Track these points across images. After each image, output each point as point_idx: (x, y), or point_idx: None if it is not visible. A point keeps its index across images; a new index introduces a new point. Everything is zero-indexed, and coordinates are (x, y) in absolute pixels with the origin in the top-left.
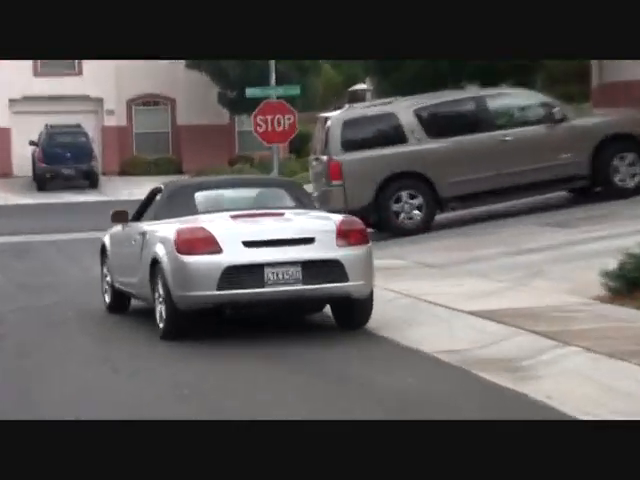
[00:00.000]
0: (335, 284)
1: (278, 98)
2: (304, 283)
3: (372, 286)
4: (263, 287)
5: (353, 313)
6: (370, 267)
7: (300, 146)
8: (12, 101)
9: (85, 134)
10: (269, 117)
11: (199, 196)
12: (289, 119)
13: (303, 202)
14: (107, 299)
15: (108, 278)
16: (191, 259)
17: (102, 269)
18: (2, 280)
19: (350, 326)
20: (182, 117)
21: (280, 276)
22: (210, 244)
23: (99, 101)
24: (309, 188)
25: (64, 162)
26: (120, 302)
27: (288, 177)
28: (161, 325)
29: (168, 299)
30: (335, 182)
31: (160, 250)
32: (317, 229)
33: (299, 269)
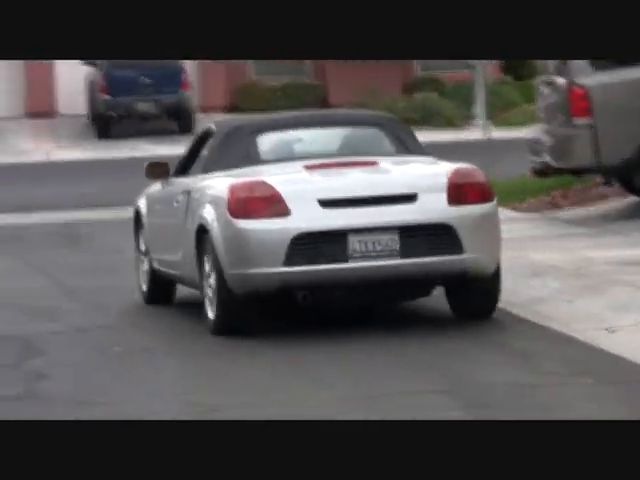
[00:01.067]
0: (446, 257)
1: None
2: (402, 256)
3: (498, 260)
4: (347, 261)
5: (473, 297)
6: (495, 234)
7: (519, 62)
8: None
9: None
10: None
11: (263, 139)
12: None
13: (407, 146)
14: (144, 286)
15: (145, 258)
16: (249, 224)
17: (136, 245)
18: (45, 282)
19: (470, 314)
20: None
21: (370, 246)
22: (275, 204)
23: None
24: (534, 130)
25: (139, 92)
26: (161, 290)
27: (502, 110)
28: (211, 316)
29: (220, 280)
30: (579, 120)
31: (209, 214)
32: (421, 182)
33: (396, 237)
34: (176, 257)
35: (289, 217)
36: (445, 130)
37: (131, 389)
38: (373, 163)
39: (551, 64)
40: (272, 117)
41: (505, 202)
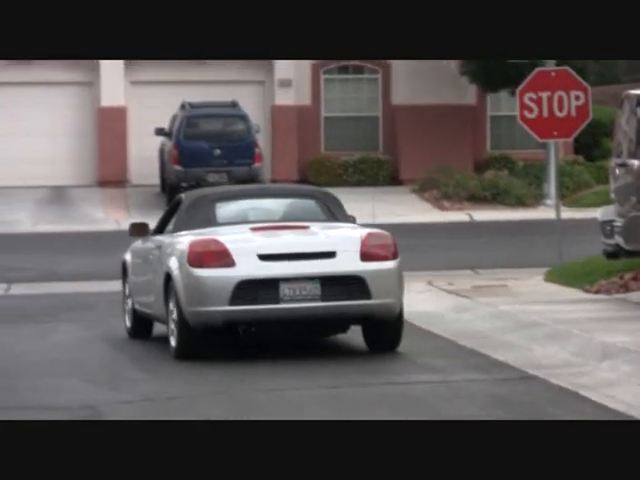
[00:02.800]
0: (357, 302)
1: (559, 65)
2: (323, 300)
3: (401, 305)
4: (278, 303)
5: (382, 335)
6: (399, 284)
7: (592, 142)
8: (130, 65)
9: (244, 118)
10: (544, 95)
11: (221, 207)
12: (578, 98)
13: (334, 214)
14: (128, 323)
15: (129, 300)
16: (203, 272)
17: (123, 289)
18: (115, 352)
19: (379, 349)
20: (399, 93)
21: (297, 292)
22: (223, 257)
23: (266, 65)
24: (606, 211)
25: (211, 163)
26: (142, 326)
27: (573, 190)
28: (173, 344)
29: (180, 315)
30: None
31: (173, 264)
32: (340, 242)
33: (317, 285)
34: (150, 299)
35: (234, 267)
36: (515, 209)
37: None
38: (305, 227)
39: (625, 147)
40: (229, 189)
41: (576, 284)
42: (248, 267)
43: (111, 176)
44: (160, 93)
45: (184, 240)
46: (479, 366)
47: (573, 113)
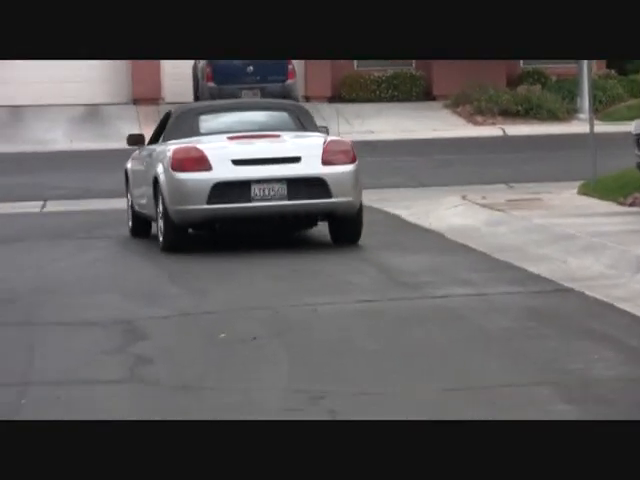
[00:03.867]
0: (319, 200)
1: None
2: (289, 199)
3: (359, 203)
4: (250, 202)
5: (343, 229)
6: (356, 185)
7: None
8: None
9: None
10: None
11: (204, 119)
12: None
13: (305, 125)
14: (130, 223)
15: (130, 202)
16: (183, 175)
17: (126, 193)
18: (150, 267)
19: (342, 242)
20: None
21: (266, 192)
22: (201, 162)
23: None
24: (639, 124)
25: (244, 80)
26: (141, 226)
27: (606, 104)
28: (161, 239)
29: (165, 213)
30: None
31: (159, 169)
32: (304, 149)
33: (284, 186)
34: (144, 200)
35: (211, 171)
36: (548, 123)
37: (235, 376)
38: (276, 136)
39: None
40: (212, 103)
41: (609, 196)
42: (223, 171)
43: (145, 94)
44: None
45: (169, 148)
46: (514, 279)
47: None
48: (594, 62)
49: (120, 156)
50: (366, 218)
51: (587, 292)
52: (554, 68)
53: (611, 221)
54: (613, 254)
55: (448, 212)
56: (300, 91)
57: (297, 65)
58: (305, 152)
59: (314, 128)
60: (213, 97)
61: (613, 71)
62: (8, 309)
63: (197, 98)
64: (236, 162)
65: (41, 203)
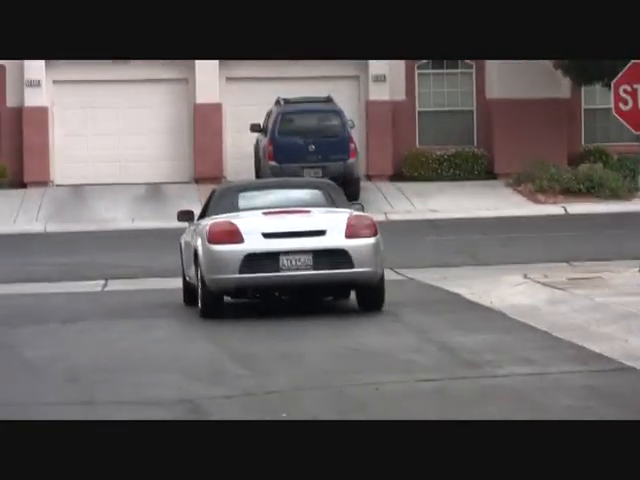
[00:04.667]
0: (342, 270)
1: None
2: (315, 269)
3: (381, 273)
4: (278, 271)
5: (368, 297)
6: (377, 256)
7: None
8: (225, 61)
9: (339, 113)
10: (638, 87)
11: (243, 196)
12: None
13: (335, 201)
14: (183, 292)
15: (183, 273)
16: (218, 247)
17: (181, 265)
18: (212, 347)
19: (368, 309)
20: (494, 87)
21: (293, 262)
22: (234, 235)
23: (361, 61)
24: None
25: (306, 159)
26: (192, 295)
27: None
28: (200, 305)
29: (202, 281)
30: None
31: (199, 241)
32: (330, 223)
33: (310, 256)
34: (191, 271)
35: (243, 243)
36: (610, 201)
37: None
38: (307, 211)
39: None
40: (251, 182)
41: None
42: (254, 243)
43: (207, 172)
44: (255, 89)
45: (207, 222)
46: (575, 358)
47: None
48: None
49: (180, 235)
50: (427, 297)
51: None
52: (615, 146)
53: None
54: None
55: (509, 291)
56: (362, 170)
57: (359, 143)
58: (330, 226)
59: (344, 204)
60: (275, 176)
61: None
62: (71, 389)
63: (258, 177)
64: (266, 235)
65: (102, 282)
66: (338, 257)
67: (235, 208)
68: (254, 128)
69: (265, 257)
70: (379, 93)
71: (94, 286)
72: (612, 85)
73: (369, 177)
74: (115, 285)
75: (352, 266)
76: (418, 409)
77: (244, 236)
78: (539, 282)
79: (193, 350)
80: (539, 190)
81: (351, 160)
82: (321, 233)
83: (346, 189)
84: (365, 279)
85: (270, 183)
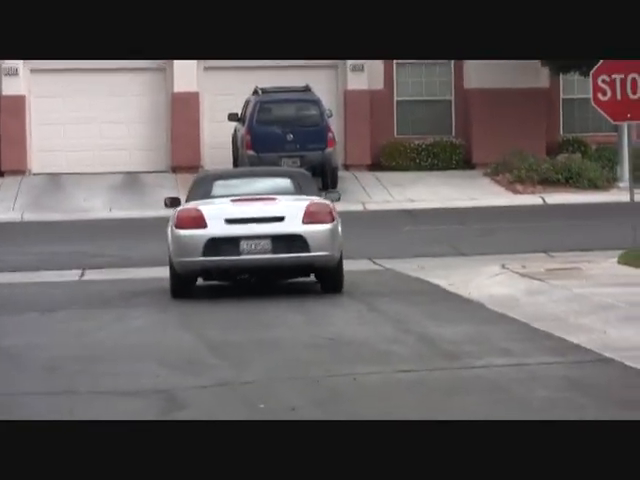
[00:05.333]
0: (299, 254)
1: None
2: (273, 253)
3: (338, 257)
4: (239, 255)
5: (325, 280)
6: (334, 241)
7: None
8: None
9: (317, 102)
10: (618, 77)
11: (217, 184)
12: None
13: (303, 189)
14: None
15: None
16: (183, 232)
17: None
18: (189, 337)
19: (327, 290)
20: (472, 77)
21: (253, 247)
22: (198, 221)
23: None
24: None
25: (284, 149)
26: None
27: None
28: (169, 286)
29: (170, 264)
30: None
31: (169, 227)
32: (289, 210)
33: (269, 241)
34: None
35: (206, 229)
36: (588, 192)
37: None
38: (272, 199)
39: None
40: (226, 171)
41: None
42: (216, 228)
43: (185, 162)
44: (233, 78)
45: (177, 209)
46: (553, 349)
47: None
48: (634, 129)
49: (159, 225)
50: (404, 287)
51: (628, 362)
52: (594, 136)
53: None
54: None
55: (488, 281)
56: (340, 159)
57: (337, 133)
58: (289, 212)
59: (313, 192)
60: (252, 165)
61: None
62: (49, 378)
63: (236, 166)
64: (228, 221)
65: (80, 272)
66: (295, 242)
67: (208, 195)
68: (232, 117)
69: (226, 241)
70: (357, 82)
71: (72, 275)
72: (591, 75)
73: (347, 167)
74: (93, 275)
75: (308, 250)
76: (396, 400)
77: (208, 222)
78: (517, 273)
79: (170, 339)
80: (517, 180)
81: (329, 149)
82: (280, 219)
83: (324, 178)
84: (322, 262)
85: (244, 172)
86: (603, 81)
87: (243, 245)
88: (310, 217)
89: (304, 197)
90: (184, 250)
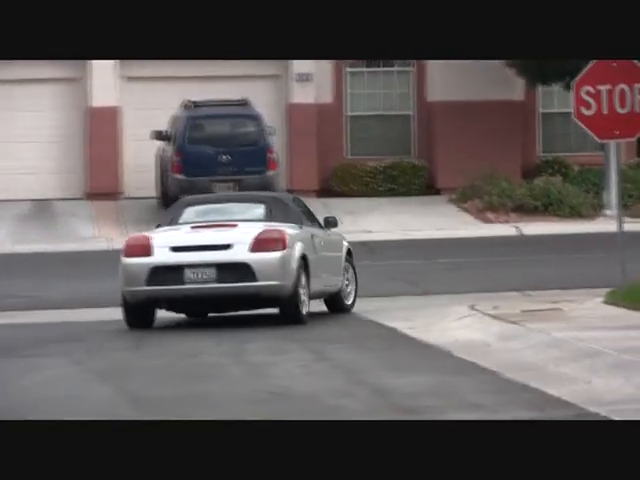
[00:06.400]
0: (245, 283)
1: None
2: (218, 282)
3: (291, 287)
4: (183, 284)
5: (281, 311)
6: (285, 270)
7: None
8: (124, 61)
9: (256, 118)
10: (604, 88)
11: (189, 210)
12: None
13: (273, 216)
14: None
15: None
16: (129, 260)
17: None
18: (107, 391)
19: (285, 322)
20: (436, 88)
21: (198, 275)
22: (144, 249)
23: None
24: None
25: (218, 172)
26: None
27: (637, 199)
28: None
29: (121, 293)
30: None
31: (121, 254)
32: (239, 237)
33: (213, 270)
34: None
35: (151, 257)
36: (570, 221)
37: None
38: (233, 225)
39: None
40: (203, 196)
41: None
42: (161, 256)
43: (102, 187)
44: (159, 90)
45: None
46: (530, 402)
47: (637, 109)
48: (623, 149)
49: (75, 259)
50: (359, 331)
51: (615, 417)
52: (576, 156)
53: None
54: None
55: (454, 324)
56: (283, 184)
57: (280, 153)
58: (237, 240)
59: (289, 219)
60: (184, 191)
61: None
62: None
63: (165, 193)
64: (174, 249)
65: None
66: (241, 270)
67: (176, 222)
68: (157, 136)
69: (170, 270)
70: (303, 95)
71: None
72: (573, 86)
73: (292, 192)
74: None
75: (255, 279)
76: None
77: (154, 249)
78: (489, 314)
79: (87, 393)
80: (488, 207)
81: (270, 173)
82: (226, 247)
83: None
84: (271, 293)
85: (220, 197)
86: (587, 93)
87: (188, 274)
88: (259, 245)
89: (266, 224)
90: (130, 279)
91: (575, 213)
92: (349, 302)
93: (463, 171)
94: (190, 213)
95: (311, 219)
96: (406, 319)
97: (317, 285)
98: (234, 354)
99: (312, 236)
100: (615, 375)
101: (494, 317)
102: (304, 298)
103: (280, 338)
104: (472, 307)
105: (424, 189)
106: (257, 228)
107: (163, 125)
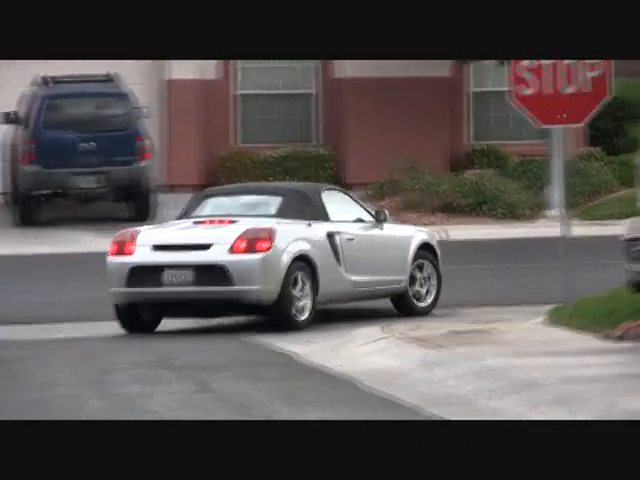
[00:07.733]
0: (222, 288)
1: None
2: (195, 285)
3: (274, 293)
4: (161, 287)
5: (269, 317)
6: (267, 274)
7: (614, 129)
8: None
9: (125, 98)
10: (546, 63)
11: (204, 203)
12: (593, 68)
13: (286, 211)
14: None
15: None
16: (111, 259)
17: None
18: None
19: (275, 328)
20: (345, 63)
21: (176, 277)
22: (127, 247)
23: None
24: (633, 226)
25: (79, 162)
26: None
27: (587, 196)
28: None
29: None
30: None
31: None
32: (221, 236)
33: (191, 272)
34: None
35: (132, 256)
36: (506, 222)
37: None
38: (231, 221)
39: None
40: (226, 187)
41: (590, 327)
42: (142, 255)
43: None
44: (9, 65)
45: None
46: None
47: (587, 88)
48: (570, 137)
49: None
50: (250, 358)
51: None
52: (515, 145)
53: (593, 362)
54: (597, 407)
55: (364, 349)
56: (159, 177)
57: (156, 140)
58: (218, 239)
59: (298, 215)
60: (39, 184)
61: (599, 149)
62: None
63: (12, 187)
64: (156, 247)
65: None
66: (217, 273)
67: (188, 215)
68: (7, 118)
69: (150, 271)
70: (183, 70)
71: None
72: (510, 65)
73: (171, 187)
74: None
75: (231, 283)
76: None
77: (137, 248)
78: (406, 336)
79: None
80: (409, 206)
81: (142, 163)
82: (205, 247)
83: (134, 203)
84: (250, 298)
85: (241, 188)
86: (527, 69)
87: (166, 275)
88: (239, 245)
89: (264, 220)
90: (112, 279)
91: (512, 214)
92: (424, 304)
93: (378, 161)
94: (205, 206)
95: (354, 214)
96: (307, 342)
97: (339, 286)
98: (98, 385)
99: (332, 234)
100: (559, 410)
101: (413, 340)
102: (303, 302)
103: (153, 366)
104: (385, 328)
105: (331, 183)
106: (244, 226)
107: (11, 106)
